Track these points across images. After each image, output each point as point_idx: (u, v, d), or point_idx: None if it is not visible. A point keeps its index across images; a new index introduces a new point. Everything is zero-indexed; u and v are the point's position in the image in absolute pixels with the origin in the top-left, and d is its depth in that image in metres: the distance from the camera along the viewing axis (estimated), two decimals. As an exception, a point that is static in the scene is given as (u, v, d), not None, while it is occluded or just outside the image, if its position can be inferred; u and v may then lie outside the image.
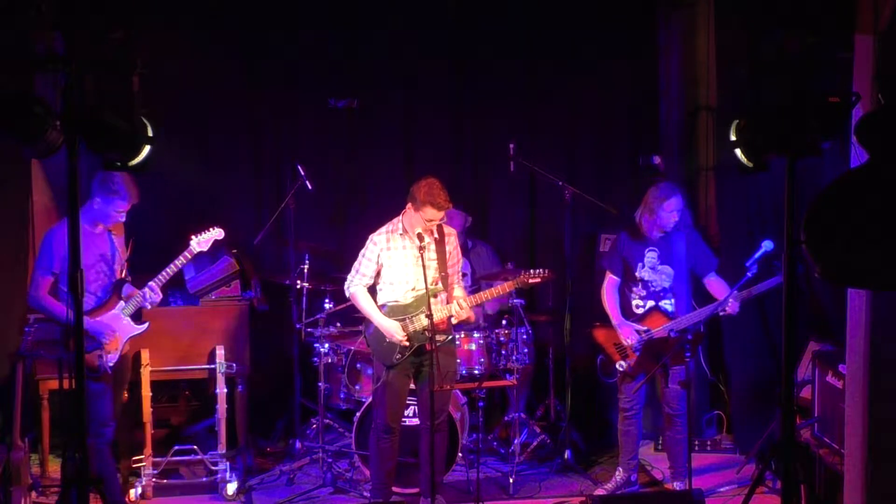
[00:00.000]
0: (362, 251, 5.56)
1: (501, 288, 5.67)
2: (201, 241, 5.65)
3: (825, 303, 5.99)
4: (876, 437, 4.76)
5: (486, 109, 7.45)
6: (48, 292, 5.27)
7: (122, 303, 5.41)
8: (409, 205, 5.41)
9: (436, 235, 5.48)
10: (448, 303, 5.51)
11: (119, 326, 5.40)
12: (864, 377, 4.79)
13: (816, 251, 3.75)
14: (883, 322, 4.71)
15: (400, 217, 5.50)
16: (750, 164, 4.27)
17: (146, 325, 5.53)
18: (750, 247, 5.67)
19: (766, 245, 5.49)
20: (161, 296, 5.53)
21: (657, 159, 7.16)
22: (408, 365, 5.51)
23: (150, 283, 5.46)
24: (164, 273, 5.49)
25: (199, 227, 5.71)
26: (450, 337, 5.59)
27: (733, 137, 4.27)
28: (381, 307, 5.54)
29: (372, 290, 5.62)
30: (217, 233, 5.70)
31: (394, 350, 5.46)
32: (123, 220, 5.40)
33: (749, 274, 5.52)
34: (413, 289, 5.49)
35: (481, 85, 7.40)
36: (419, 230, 5.35)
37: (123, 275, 5.49)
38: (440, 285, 5.46)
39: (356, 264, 5.57)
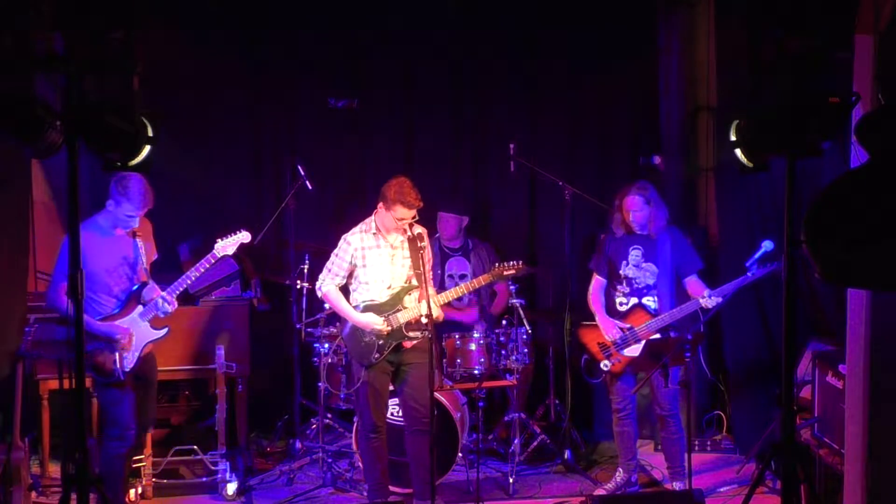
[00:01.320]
0: (335, 251, 5.58)
1: (476, 282, 5.69)
2: (226, 245, 5.51)
3: (825, 303, 5.99)
4: (876, 437, 4.76)
5: (486, 109, 7.44)
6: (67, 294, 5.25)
7: (140, 307, 5.35)
8: (380, 204, 5.43)
9: (409, 234, 5.48)
10: (420, 301, 5.51)
11: (136, 330, 5.33)
12: (864, 377, 4.79)
13: (816, 251, 3.75)
14: (883, 322, 4.71)
15: (373, 216, 5.52)
16: (750, 164, 4.27)
17: (165, 329, 5.43)
18: (750, 247, 5.67)
19: (766, 245, 5.50)
20: (176, 305, 5.39)
21: (657, 159, 7.16)
22: (386, 364, 5.51)
23: (164, 292, 5.36)
24: (182, 281, 5.40)
25: (226, 231, 5.57)
26: (427, 334, 5.60)
27: (733, 137, 4.27)
28: (356, 307, 5.54)
29: (344, 291, 5.62)
30: (243, 236, 5.55)
31: (371, 349, 5.47)
32: (135, 224, 5.30)
33: (749, 274, 5.53)
34: (389, 287, 5.51)
35: (481, 85, 7.40)
36: (419, 230, 5.37)
37: (146, 279, 5.39)
38: (414, 282, 5.46)
39: (328, 264, 5.59)
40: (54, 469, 6.14)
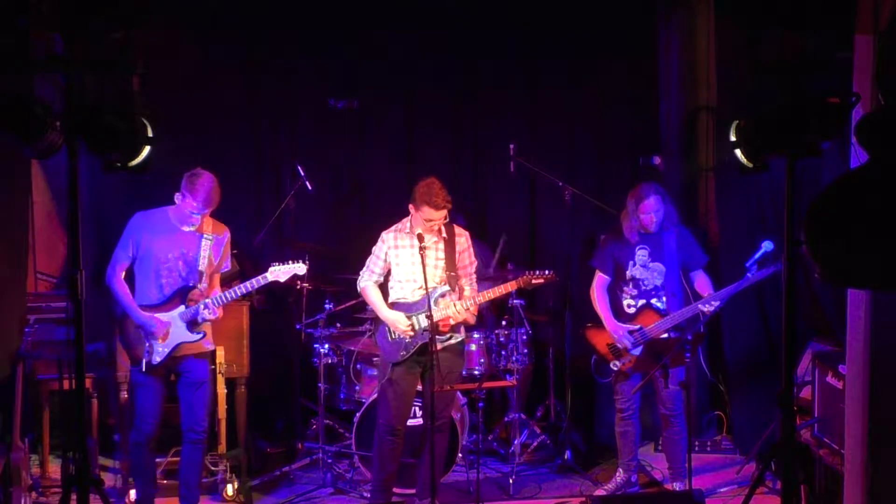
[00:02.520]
0: (374, 248, 5.59)
1: (504, 287, 5.66)
2: (279, 272, 5.49)
3: (825, 303, 5.99)
4: (876, 437, 4.76)
5: (486, 109, 7.45)
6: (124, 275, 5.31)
7: (182, 307, 5.35)
8: (411, 205, 5.43)
9: (444, 235, 5.49)
10: (461, 300, 5.52)
11: (173, 328, 5.33)
12: (864, 377, 4.79)
13: (816, 251, 3.75)
14: (883, 322, 4.71)
15: (409, 217, 5.53)
16: (750, 165, 4.28)
17: (201, 335, 5.40)
18: (750, 247, 5.67)
19: (766, 245, 5.49)
20: (217, 314, 5.37)
21: (657, 159, 7.15)
22: (414, 364, 5.51)
23: (208, 299, 5.35)
24: (228, 293, 5.39)
25: (280, 257, 5.59)
26: (460, 338, 5.59)
27: (733, 138, 4.27)
28: (392, 305, 5.55)
29: (385, 290, 5.62)
30: (299, 267, 5.53)
31: (399, 347, 5.47)
32: (197, 222, 5.31)
33: (749, 274, 5.52)
34: (420, 287, 5.50)
35: (481, 85, 7.40)
36: (419, 230, 5.37)
37: (199, 282, 5.37)
38: (447, 286, 5.46)
39: (368, 260, 5.62)
40: (54, 469, 6.14)
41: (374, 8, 7.09)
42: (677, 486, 5.91)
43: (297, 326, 6.59)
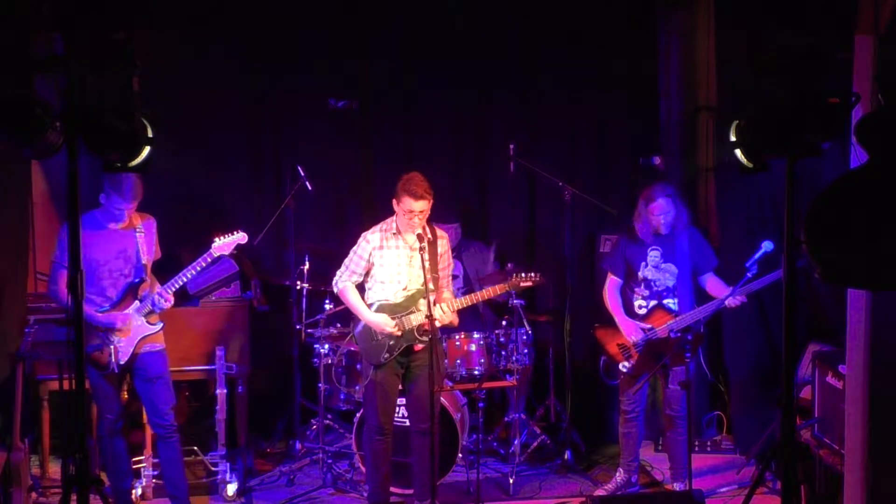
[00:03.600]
0: (354, 248, 5.58)
1: (492, 290, 5.67)
2: (223, 245, 5.53)
3: (825, 303, 5.99)
4: (876, 438, 4.76)
5: (486, 110, 7.44)
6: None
7: (137, 302, 5.39)
8: (394, 201, 5.43)
9: (428, 236, 5.48)
10: (437, 303, 5.51)
11: (133, 324, 5.38)
12: (864, 377, 4.78)
13: (816, 251, 3.75)
14: (883, 322, 4.71)
15: (394, 217, 5.52)
16: (750, 165, 4.27)
17: (160, 325, 5.47)
18: (750, 247, 5.67)
19: (766, 245, 5.50)
20: (172, 301, 5.44)
21: (657, 159, 7.15)
22: (396, 365, 5.51)
23: (161, 288, 5.40)
24: (178, 277, 5.43)
25: (223, 230, 5.60)
26: (437, 338, 5.59)
27: (733, 138, 4.26)
28: (370, 306, 5.54)
29: (360, 289, 5.62)
30: (240, 236, 5.58)
31: (382, 349, 5.47)
32: (124, 218, 5.35)
33: (749, 274, 5.53)
34: (405, 288, 5.50)
35: (481, 85, 7.40)
36: (419, 231, 5.35)
37: (145, 275, 5.43)
38: (430, 286, 5.46)
39: (346, 261, 5.59)
40: (54, 469, 6.14)
41: (375, 8, 7.08)
42: (678, 487, 5.91)
43: (297, 326, 6.60)
